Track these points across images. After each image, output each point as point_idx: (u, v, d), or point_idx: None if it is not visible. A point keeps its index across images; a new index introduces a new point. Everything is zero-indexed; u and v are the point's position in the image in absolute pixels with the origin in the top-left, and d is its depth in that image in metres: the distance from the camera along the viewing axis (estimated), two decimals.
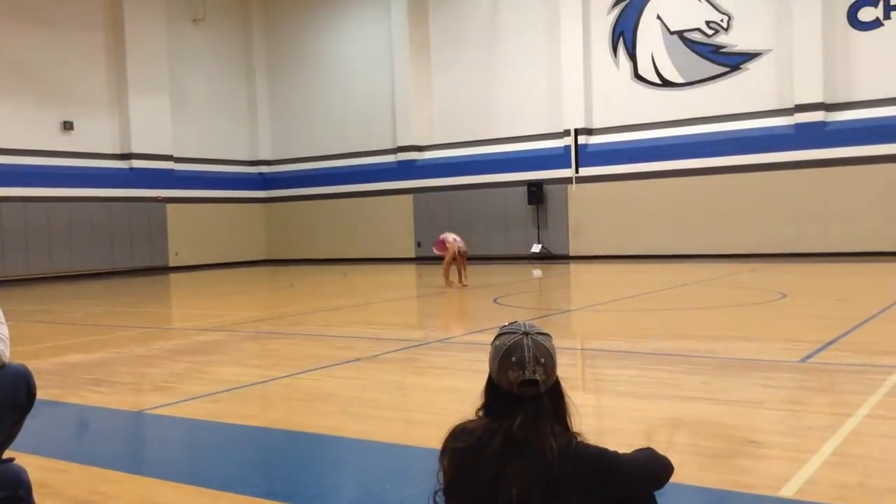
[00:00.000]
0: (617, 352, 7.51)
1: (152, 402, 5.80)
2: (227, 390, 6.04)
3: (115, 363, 7.59)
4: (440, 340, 8.44)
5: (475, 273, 14.51)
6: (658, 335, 8.33)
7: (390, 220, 24.61)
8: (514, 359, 2.24)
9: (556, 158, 21.89)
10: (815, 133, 18.70)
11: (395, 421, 5.08)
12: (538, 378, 2.24)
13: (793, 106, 19.03)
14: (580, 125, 21.54)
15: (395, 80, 24.54)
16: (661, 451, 2.47)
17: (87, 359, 7.89)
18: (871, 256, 17.53)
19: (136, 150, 23.23)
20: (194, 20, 25.55)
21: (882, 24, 18.21)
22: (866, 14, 18.37)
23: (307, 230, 26.46)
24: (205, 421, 5.17)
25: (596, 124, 21.72)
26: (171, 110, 24.32)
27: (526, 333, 2.28)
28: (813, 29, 18.64)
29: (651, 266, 18.45)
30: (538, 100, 22.37)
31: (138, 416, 5.42)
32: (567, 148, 21.73)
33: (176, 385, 6.43)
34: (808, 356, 6.55)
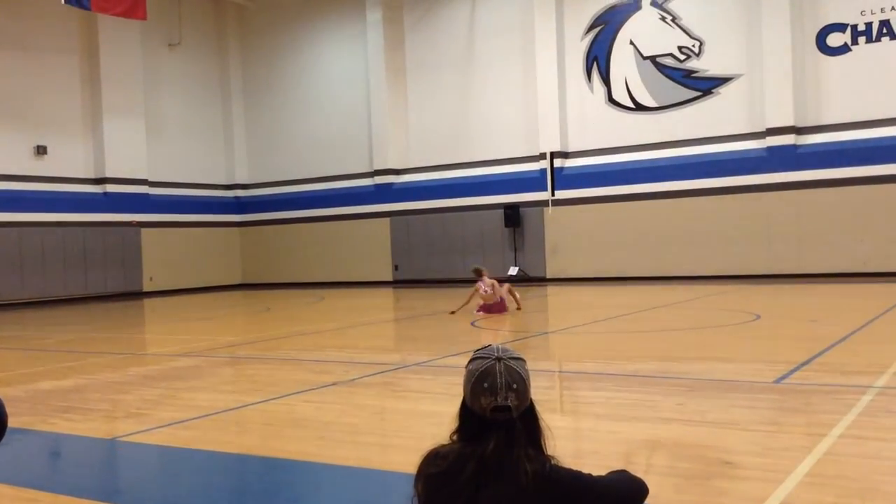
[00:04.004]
0: (593, 374, 7.52)
1: (125, 430, 5.72)
2: (202, 416, 5.97)
3: (87, 390, 7.48)
4: (417, 364, 8.41)
5: (452, 296, 14.50)
6: (634, 357, 8.36)
7: (367, 243, 24.57)
8: (486, 384, 2.23)
9: (532, 181, 22.02)
10: (786, 156, 18.97)
11: (372, 446, 5.05)
12: (510, 404, 2.23)
13: (764, 129, 19.31)
14: (556, 149, 21.71)
15: (372, 103, 24.61)
16: (639, 473, 2.47)
17: (59, 386, 7.78)
18: (843, 277, 17.75)
19: (110, 174, 23.06)
20: (170, 45, 25.52)
21: (850, 50, 18.57)
22: (835, 39, 18.74)
23: (283, 254, 26.35)
24: (179, 448, 5.10)
25: (571, 148, 21.89)
26: (147, 134, 24.20)
27: (498, 359, 2.27)
28: (783, 54, 18.98)
29: (627, 288, 18.54)
30: (514, 123, 22.52)
31: (111, 444, 5.34)
32: (543, 171, 21.87)
33: (149, 412, 6.34)
34: (783, 377, 6.60)
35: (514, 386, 2.24)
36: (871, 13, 18.35)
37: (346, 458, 4.64)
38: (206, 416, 6.00)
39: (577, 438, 5.00)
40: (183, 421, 5.83)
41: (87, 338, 12.91)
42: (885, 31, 18.25)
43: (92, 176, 23.05)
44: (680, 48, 20.39)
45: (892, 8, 18.16)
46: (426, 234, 23.56)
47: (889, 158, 17.86)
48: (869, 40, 18.40)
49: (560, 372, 7.87)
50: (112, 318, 17.18)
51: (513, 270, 22.01)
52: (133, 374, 8.43)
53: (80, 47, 22.95)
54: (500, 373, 2.24)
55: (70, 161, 22.52)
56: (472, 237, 22.77)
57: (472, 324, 11.91)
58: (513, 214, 21.94)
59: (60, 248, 21.75)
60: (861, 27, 18.46)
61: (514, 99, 22.52)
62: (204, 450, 5.00)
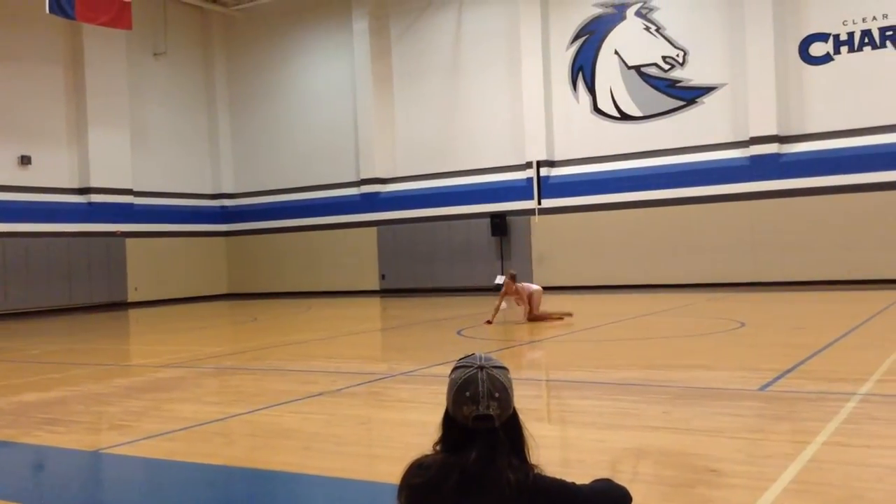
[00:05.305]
0: (579, 382, 7.52)
1: (109, 442, 5.67)
2: (186, 428, 5.94)
3: (71, 402, 7.42)
4: (404, 373, 8.39)
5: (440, 305, 14.50)
6: (620, 365, 8.38)
7: (354, 252, 24.53)
8: (468, 393, 2.22)
9: (518, 190, 22.08)
10: (769, 165, 19.11)
11: (358, 456, 5.03)
12: (492, 413, 2.22)
13: (748, 138, 19.45)
14: (542, 157, 21.78)
15: (358, 112, 24.63)
16: (625, 482, 2.47)
17: (42, 397, 7.71)
18: (827, 285, 17.86)
19: (94, 184, 22.94)
20: (155, 54, 25.45)
21: (832, 59, 18.75)
22: (817, 49, 18.91)
23: (270, 263, 26.26)
24: (163, 460, 5.07)
25: (557, 157, 21.97)
26: (132, 144, 24.10)
27: (481, 367, 2.26)
28: (766, 64, 19.14)
29: (613, 296, 18.60)
30: (500, 132, 22.59)
31: (94, 456, 5.30)
32: (529, 180, 21.93)
33: (133, 423, 6.30)
34: (767, 384, 6.63)
35: (497, 395, 2.23)
36: (854, 23, 18.53)
37: (332, 468, 4.62)
38: (191, 427, 5.96)
39: (563, 447, 5.00)
40: (167, 433, 5.79)
41: (72, 349, 12.81)
42: (866, 40, 18.44)
43: (76, 186, 22.93)
44: (664, 58, 20.52)
45: (874, 18, 18.36)
46: (413, 244, 23.55)
47: (872, 167, 18.01)
48: (851, 50, 18.58)
49: (546, 380, 7.87)
50: (96, 328, 17.06)
51: (499, 279, 21.95)
52: (117, 386, 8.38)
53: (64, 57, 22.85)
54: (483, 381, 2.23)
55: (54, 171, 22.39)
56: (458, 246, 22.78)
57: (459, 333, 11.91)
58: (499, 223, 21.97)
59: (45, 259, 21.59)
60: (843, 37, 18.64)
61: (500, 108, 22.60)
62: (189, 462, 4.97)
